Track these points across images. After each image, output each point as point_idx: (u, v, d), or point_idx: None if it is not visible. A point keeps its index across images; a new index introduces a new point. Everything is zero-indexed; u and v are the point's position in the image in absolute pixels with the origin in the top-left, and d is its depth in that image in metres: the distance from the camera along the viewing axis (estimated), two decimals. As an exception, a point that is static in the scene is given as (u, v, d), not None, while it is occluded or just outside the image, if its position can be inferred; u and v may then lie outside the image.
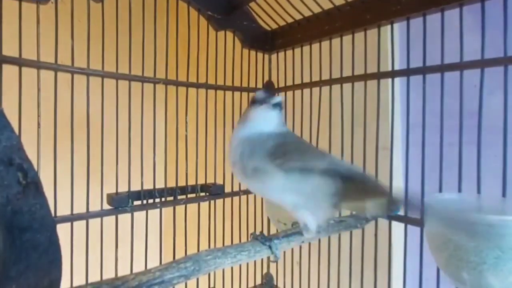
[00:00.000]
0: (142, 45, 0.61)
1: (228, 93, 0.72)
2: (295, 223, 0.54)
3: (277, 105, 0.48)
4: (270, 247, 0.44)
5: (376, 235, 0.55)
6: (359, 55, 0.58)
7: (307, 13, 0.65)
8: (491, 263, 0.34)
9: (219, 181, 0.72)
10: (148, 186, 0.63)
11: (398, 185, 0.59)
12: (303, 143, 0.52)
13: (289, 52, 0.73)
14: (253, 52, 0.76)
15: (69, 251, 0.53)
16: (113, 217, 0.59)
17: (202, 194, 0.70)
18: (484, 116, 0.44)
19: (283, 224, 0.58)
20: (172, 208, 0.66)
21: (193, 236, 0.68)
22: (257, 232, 0.48)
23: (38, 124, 0.51)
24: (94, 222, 0.57)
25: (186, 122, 0.65)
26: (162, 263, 0.41)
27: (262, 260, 0.77)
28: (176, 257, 0.38)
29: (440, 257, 0.39)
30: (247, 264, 0.72)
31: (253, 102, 0.48)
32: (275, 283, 0.77)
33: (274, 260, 0.46)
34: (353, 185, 0.44)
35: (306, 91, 0.68)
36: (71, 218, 0.54)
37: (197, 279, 0.68)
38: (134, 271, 0.40)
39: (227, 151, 0.49)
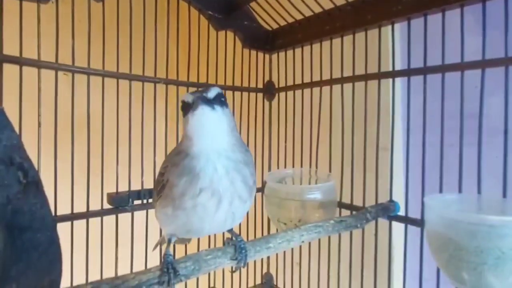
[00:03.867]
0: (143, 44, 0.61)
1: (229, 93, 0.72)
2: (299, 222, 0.55)
3: (218, 99, 0.38)
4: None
5: (376, 235, 0.55)
6: (359, 55, 0.58)
7: (308, 13, 0.65)
8: (491, 264, 0.34)
9: (219, 181, 0.72)
10: (148, 185, 0.63)
11: (398, 185, 0.59)
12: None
13: (289, 52, 0.73)
14: (253, 52, 0.76)
15: (69, 250, 0.53)
16: (113, 216, 0.59)
17: (202, 193, 0.69)
18: (485, 117, 0.44)
19: (283, 223, 0.58)
20: (172, 207, 0.66)
21: (193, 235, 0.68)
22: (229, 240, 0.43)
23: (39, 123, 0.51)
24: (94, 222, 0.57)
25: (187, 122, 0.65)
26: (162, 262, 0.41)
27: (262, 260, 0.77)
28: (176, 257, 0.37)
29: (440, 258, 0.39)
30: (247, 263, 0.72)
31: (185, 108, 0.38)
32: (274, 283, 0.77)
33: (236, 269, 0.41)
34: None
35: (307, 91, 0.68)
36: (71, 217, 0.54)
37: (197, 279, 0.68)
38: (134, 270, 0.40)
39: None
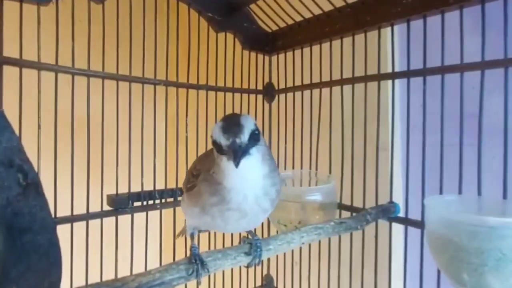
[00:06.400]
0: (143, 46, 0.61)
1: (228, 95, 0.72)
2: (299, 224, 0.55)
3: (252, 139, 0.36)
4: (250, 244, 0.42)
5: (376, 236, 0.55)
6: (359, 57, 0.58)
7: (308, 15, 0.65)
8: (492, 265, 0.34)
9: (219, 183, 0.72)
10: (148, 187, 0.63)
11: (398, 186, 0.59)
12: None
13: (289, 54, 0.73)
14: (253, 54, 0.76)
15: (69, 252, 0.53)
16: (113, 218, 0.59)
17: (202, 195, 0.69)
18: (484, 118, 0.44)
19: (284, 225, 0.58)
20: (172, 209, 0.66)
21: (193, 237, 0.68)
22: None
23: (39, 125, 0.51)
24: (94, 223, 0.56)
25: (187, 123, 0.65)
26: (162, 264, 0.41)
27: (262, 261, 0.77)
28: (176, 259, 0.37)
29: (441, 259, 0.39)
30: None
31: (217, 147, 0.37)
32: (275, 285, 0.77)
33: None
34: None
35: (307, 92, 0.68)
36: (71, 219, 0.54)
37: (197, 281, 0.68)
38: (134, 272, 0.40)
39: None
